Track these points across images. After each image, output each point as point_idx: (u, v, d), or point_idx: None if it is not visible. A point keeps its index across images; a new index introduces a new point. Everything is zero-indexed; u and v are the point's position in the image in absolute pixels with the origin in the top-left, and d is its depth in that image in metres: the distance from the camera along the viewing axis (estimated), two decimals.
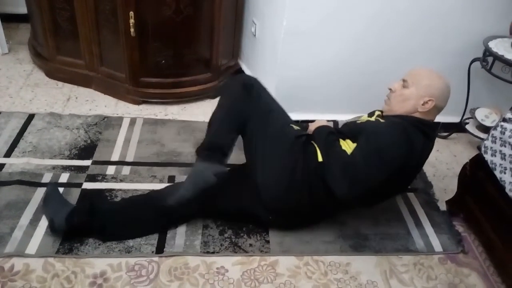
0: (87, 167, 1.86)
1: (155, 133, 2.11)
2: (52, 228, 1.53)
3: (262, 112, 1.61)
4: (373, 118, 1.64)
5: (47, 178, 1.77)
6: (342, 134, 1.57)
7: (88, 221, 1.52)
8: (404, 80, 1.56)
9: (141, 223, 1.60)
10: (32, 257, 1.47)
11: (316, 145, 1.55)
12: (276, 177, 1.54)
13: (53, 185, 1.68)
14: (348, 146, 1.51)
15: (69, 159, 1.89)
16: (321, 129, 1.60)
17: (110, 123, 2.14)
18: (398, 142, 1.43)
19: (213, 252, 1.57)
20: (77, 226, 1.52)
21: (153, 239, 1.58)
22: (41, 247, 1.50)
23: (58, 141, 1.99)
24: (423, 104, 1.51)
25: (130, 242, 1.55)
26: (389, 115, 1.59)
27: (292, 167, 1.53)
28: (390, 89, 1.60)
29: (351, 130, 1.57)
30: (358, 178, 1.40)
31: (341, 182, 1.41)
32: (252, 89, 1.61)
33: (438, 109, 1.55)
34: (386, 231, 1.74)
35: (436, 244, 1.71)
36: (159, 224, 1.62)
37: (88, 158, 1.91)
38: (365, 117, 1.70)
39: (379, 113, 1.66)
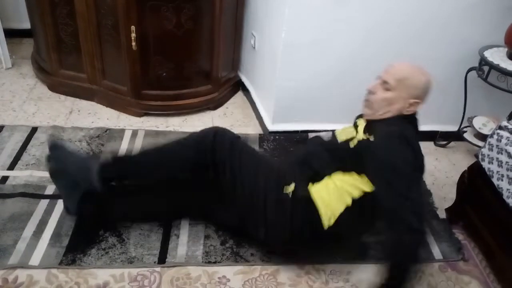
0: None
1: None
2: (67, 211, 1.65)
3: (248, 181, 1.52)
4: (361, 134, 1.49)
5: (50, 190, 1.79)
6: (342, 163, 1.47)
7: (97, 210, 1.62)
8: (385, 82, 1.46)
9: (152, 214, 1.68)
10: (36, 268, 1.48)
11: (320, 209, 1.45)
12: (278, 233, 1.51)
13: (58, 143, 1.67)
14: (357, 180, 1.44)
15: None
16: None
17: (112, 135, 2.17)
18: (407, 154, 1.37)
19: (214, 262, 1.58)
20: (88, 214, 1.63)
21: (155, 249, 1.59)
22: (44, 259, 1.51)
23: None
24: (409, 107, 1.45)
25: (133, 253, 1.57)
26: (373, 120, 1.49)
27: (294, 228, 1.48)
28: (370, 91, 1.49)
29: (350, 158, 1.46)
30: (416, 210, 1.34)
31: (411, 224, 1.33)
32: (221, 151, 1.52)
33: (421, 104, 1.49)
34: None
35: (436, 252, 1.72)
36: (168, 217, 1.69)
37: None
38: (348, 130, 1.56)
39: (363, 122, 1.53)
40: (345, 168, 1.46)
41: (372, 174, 1.42)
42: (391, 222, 1.36)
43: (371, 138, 1.43)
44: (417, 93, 1.45)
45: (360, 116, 1.58)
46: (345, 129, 1.59)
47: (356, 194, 1.44)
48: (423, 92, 1.46)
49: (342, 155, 1.49)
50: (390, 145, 1.39)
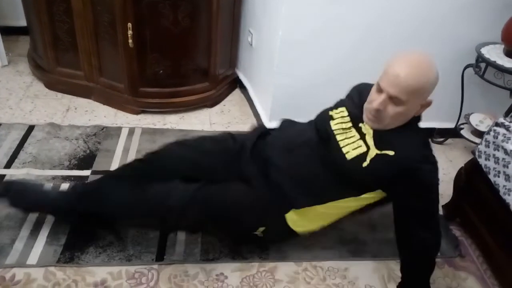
0: (86, 177, 1.87)
1: (154, 142, 2.13)
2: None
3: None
4: (373, 150, 1.35)
5: (47, 188, 1.79)
6: (355, 188, 1.41)
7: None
8: (392, 97, 1.28)
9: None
10: (34, 267, 1.48)
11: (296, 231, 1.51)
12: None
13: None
14: (364, 198, 1.42)
15: (68, 169, 1.91)
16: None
17: (109, 133, 2.16)
18: (434, 168, 1.36)
19: (212, 259, 1.58)
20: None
21: (153, 247, 1.59)
22: (42, 257, 1.51)
23: (58, 151, 2.01)
24: (420, 108, 1.35)
25: (130, 250, 1.57)
26: (383, 129, 1.37)
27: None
28: (378, 110, 1.31)
29: (365, 181, 1.38)
30: (437, 216, 1.40)
31: (430, 234, 1.39)
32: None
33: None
34: (384, 236, 1.75)
35: None
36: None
37: (87, 168, 1.92)
38: (352, 135, 1.42)
39: (369, 129, 1.39)
40: (357, 193, 1.42)
41: (398, 194, 1.38)
42: (414, 230, 1.39)
43: (389, 153, 1.33)
44: (428, 95, 1.34)
45: (358, 117, 1.43)
46: (344, 129, 1.44)
47: (356, 209, 1.47)
48: (432, 89, 1.33)
49: (355, 180, 1.39)
50: (420, 166, 1.33)
